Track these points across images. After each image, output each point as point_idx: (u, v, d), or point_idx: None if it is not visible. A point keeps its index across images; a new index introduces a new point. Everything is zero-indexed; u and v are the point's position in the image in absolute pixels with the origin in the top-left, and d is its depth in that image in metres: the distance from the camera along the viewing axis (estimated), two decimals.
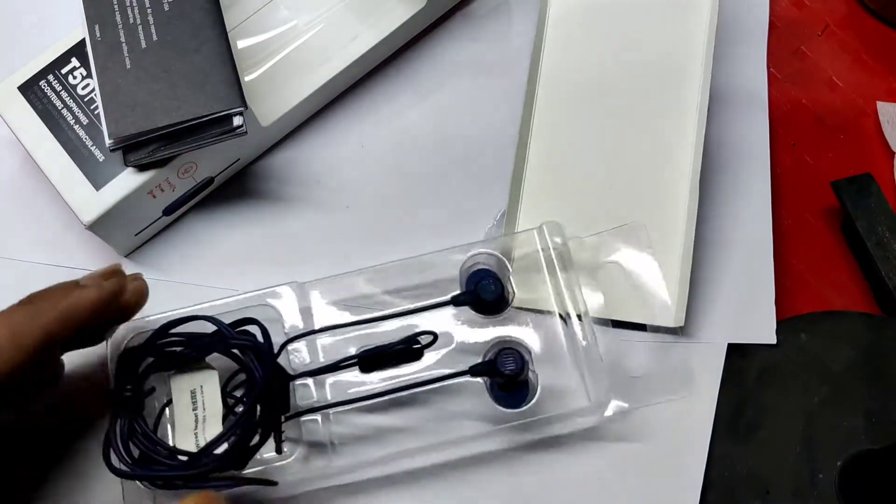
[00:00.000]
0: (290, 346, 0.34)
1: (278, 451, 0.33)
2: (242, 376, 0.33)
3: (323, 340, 0.36)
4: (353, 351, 0.35)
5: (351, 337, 0.36)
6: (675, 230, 0.39)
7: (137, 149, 0.36)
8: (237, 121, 0.36)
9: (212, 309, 0.35)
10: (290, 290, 0.36)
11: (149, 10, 0.37)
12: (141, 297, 0.34)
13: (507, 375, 0.34)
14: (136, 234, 0.40)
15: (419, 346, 0.34)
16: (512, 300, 0.36)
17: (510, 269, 0.36)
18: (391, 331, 0.35)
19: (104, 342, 0.34)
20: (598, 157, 0.41)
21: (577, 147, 0.41)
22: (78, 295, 0.31)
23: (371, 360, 0.34)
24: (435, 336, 0.34)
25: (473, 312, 0.36)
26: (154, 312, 0.39)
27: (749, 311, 0.40)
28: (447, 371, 0.35)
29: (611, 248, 0.38)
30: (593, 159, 0.41)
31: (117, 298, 0.32)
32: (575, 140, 0.41)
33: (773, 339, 0.39)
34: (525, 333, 0.37)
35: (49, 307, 0.30)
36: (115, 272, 0.33)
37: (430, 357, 0.36)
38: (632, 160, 0.40)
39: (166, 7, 0.37)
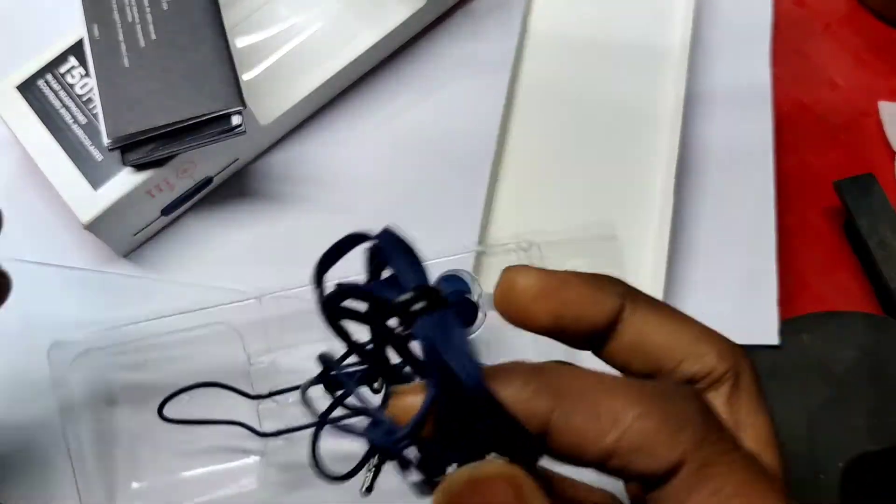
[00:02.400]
0: (252, 367, 0.34)
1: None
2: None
3: (285, 358, 0.35)
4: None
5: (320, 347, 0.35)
6: (648, 238, 0.38)
7: (136, 148, 0.36)
8: (236, 120, 0.36)
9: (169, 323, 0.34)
10: (252, 305, 0.35)
11: (147, 10, 0.37)
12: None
13: None
14: (134, 234, 0.40)
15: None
16: (484, 319, 0.34)
17: (481, 288, 0.35)
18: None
19: None
20: (574, 165, 0.40)
21: (554, 155, 0.40)
22: None
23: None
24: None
25: None
26: (154, 314, 0.39)
27: (751, 312, 0.40)
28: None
29: (580, 256, 0.37)
30: (570, 167, 0.40)
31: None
32: (551, 148, 0.40)
33: (775, 340, 0.39)
34: (495, 347, 0.36)
35: None
36: None
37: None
38: (608, 168, 0.40)
39: (165, 6, 0.37)
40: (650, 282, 0.38)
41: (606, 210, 0.39)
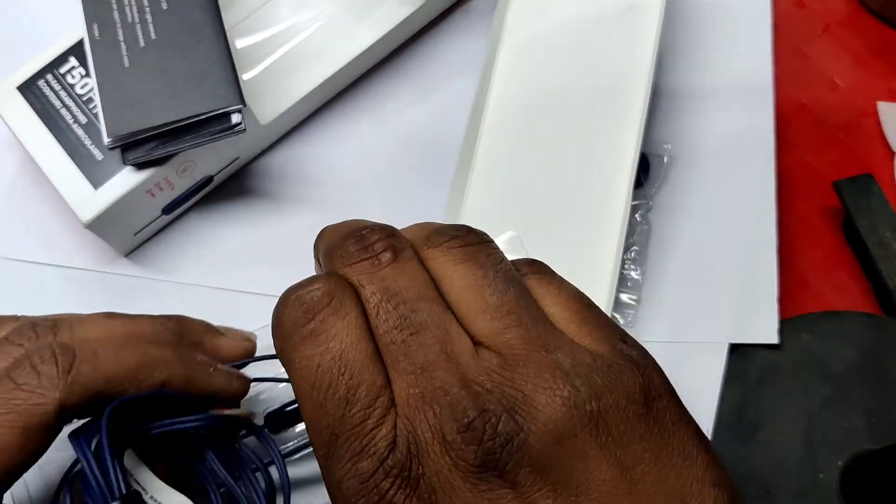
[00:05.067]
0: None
1: None
2: None
3: None
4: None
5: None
6: (608, 246, 0.37)
7: (136, 147, 0.36)
8: (236, 118, 0.36)
9: None
10: None
11: (147, 9, 0.37)
12: None
13: None
14: (135, 234, 0.40)
15: None
16: None
17: None
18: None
19: None
20: (542, 168, 0.39)
21: (523, 158, 0.39)
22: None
23: (278, 419, 0.33)
24: None
25: None
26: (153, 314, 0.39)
27: (751, 311, 0.40)
28: None
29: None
30: (538, 170, 0.39)
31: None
32: (521, 151, 0.40)
33: (775, 339, 0.39)
34: None
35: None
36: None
37: None
38: (574, 171, 0.39)
39: (164, 6, 0.37)
40: (608, 279, 0.37)
41: (570, 212, 0.38)
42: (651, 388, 0.21)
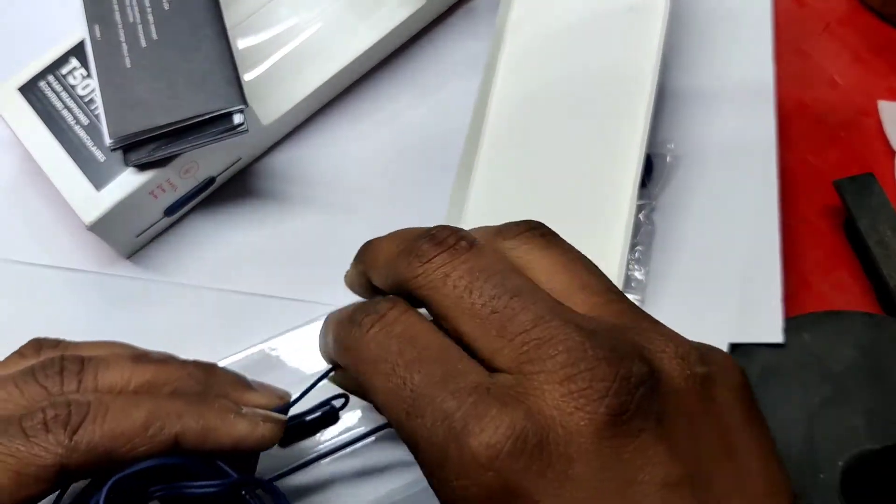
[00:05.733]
0: None
1: None
2: None
3: None
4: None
5: None
6: (613, 246, 0.38)
7: (138, 148, 0.36)
8: (238, 119, 0.36)
9: None
10: None
11: (149, 10, 0.37)
12: None
13: None
14: (137, 236, 0.40)
15: (335, 409, 0.32)
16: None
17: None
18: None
19: None
20: (546, 169, 0.39)
21: (526, 159, 0.39)
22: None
23: (289, 433, 0.32)
24: (347, 398, 0.32)
25: None
26: (155, 315, 0.39)
27: (754, 310, 0.40)
28: (368, 428, 0.33)
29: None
30: (541, 171, 0.39)
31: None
32: (524, 152, 0.39)
33: (780, 339, 0.39)
34: None
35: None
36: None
37: (349, 415, 0.34)
38: (579, 172, 0.39)
39: (166, 6, 0.37)
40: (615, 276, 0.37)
41: (576, 212, 0.39)
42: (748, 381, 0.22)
